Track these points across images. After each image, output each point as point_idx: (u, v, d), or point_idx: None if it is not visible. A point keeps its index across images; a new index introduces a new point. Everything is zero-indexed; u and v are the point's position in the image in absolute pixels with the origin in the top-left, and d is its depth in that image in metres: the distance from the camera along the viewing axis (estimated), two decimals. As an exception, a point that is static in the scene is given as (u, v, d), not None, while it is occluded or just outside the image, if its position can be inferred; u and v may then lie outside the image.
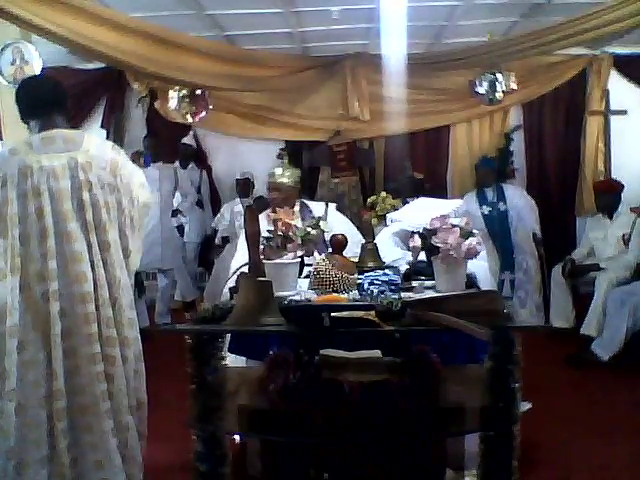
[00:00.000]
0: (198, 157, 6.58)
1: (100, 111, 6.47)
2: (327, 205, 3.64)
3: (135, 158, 5.58)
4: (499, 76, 5.84)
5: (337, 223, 3.08)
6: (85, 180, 2.23)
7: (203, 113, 6.24)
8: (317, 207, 3.61)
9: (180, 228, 6.39)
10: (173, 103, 6.14)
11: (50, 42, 4.12)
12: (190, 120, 6.24)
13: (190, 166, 6.46)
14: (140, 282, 5.01)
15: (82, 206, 2.22)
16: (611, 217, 5.03)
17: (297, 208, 3.52)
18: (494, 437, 1.97)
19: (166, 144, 6.18)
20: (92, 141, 2.33)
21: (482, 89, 5.91)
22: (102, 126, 6.44)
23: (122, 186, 2.31)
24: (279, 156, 6.60)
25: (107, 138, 6.38)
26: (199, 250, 6.61)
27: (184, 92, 6.15)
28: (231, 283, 2.57)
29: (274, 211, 3.37)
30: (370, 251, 2.73)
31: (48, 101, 2.35)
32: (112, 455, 2.18)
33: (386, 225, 3.14)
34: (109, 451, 2.17)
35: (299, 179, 3.61)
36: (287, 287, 2.38)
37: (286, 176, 3.52)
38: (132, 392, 2.29)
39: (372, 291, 2.22)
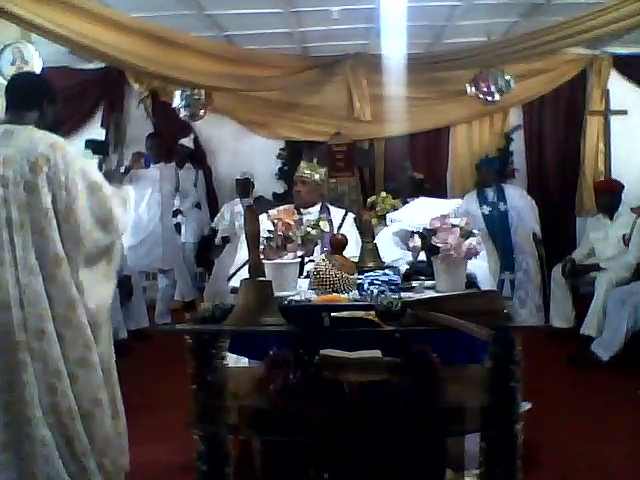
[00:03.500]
0: (195, 157, 6.58)
1: (100, 111, 6.48)
2: (347, 213, 3.64)
3: (135, 159, 5.58)
4: (498, 76, 5.84)
5: (348, 235, 3.09)
6: (1, 176, 2.17)
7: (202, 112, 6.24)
8: (337, 213, 3.61)
9: (177, 227, 6.39)
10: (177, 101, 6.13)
11: (50, 42, 4.13)
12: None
13: (186, 166, 6.45)
14: (128, 286, 4.95)
15: None
16: (611, 217, 5.03)
17: (317, 207, 3.53)
18: (496, 437, 1.97)
19: (167, 144, 6.19)
20: (29, 136, 2.24)
21: (479, 90, 5.91)
22: (102, 125, 6.44)
23: (45, 185, 2.18)
24: (279, 156, 6.64)
25: (106, 138, 6.41)
26: (196, 250, 6.61)
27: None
28: (235, 281, 2.56)
29: (297, 207, 3.39)
30: (370, 251, 2.73)
31: (16, 97, 2.34)
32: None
33: (386, 225, 3.13)
34: None
35: (325, 177, 3.63)
36: (287, 287, 2.37)
37: (312, 170, 3.54)
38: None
39: (372, 291, 2.22)
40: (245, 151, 6.60)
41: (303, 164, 3.62)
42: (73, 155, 2.27)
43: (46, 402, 2.17)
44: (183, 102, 6.01)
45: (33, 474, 2.16)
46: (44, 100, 2.37)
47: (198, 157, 6.62)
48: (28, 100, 2.34)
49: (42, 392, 2.17)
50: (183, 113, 6.08)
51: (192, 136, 6.54)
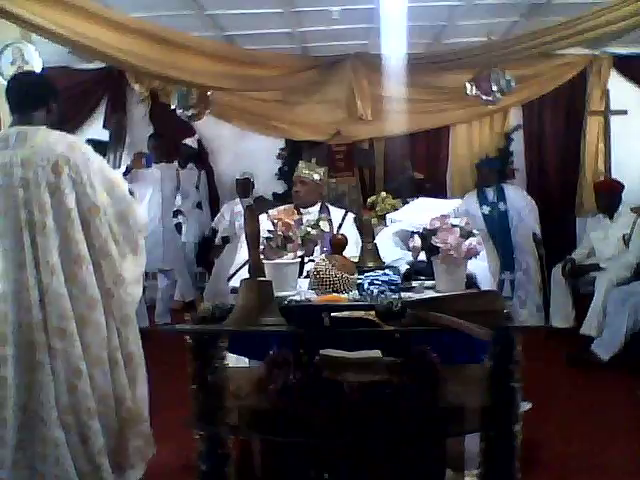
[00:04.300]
0: (198, 158, 6.59)
1: (101, 111, 6.47)
2: (347, 213, 3.64)
3: (137, 159, 5.58)
4: (499, 76, 5.83)
5: (348, 235, 3.10)
6: (21, 177, 2.16)
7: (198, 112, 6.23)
8: (337, 213, 3.60)
9: (177, 227, 6.39)
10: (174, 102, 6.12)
11: (50, 42, 4.12)
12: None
13: (189, 166, 6.46)
14: None
15: (15, 204, 2.16)
16: (611, 217, 5.04)
17: (317, 207, 3.52)
18: (495, 437, 1.97)
19: (169, 144, 6.19)
20: (45, 137, 2.23)
21: (480, 90, 5.90)
22: (104, 126, 6.44)
23: (67, 186, 2.19)
24: (279, 156, 6.64)
25: (110, 138, 6.42)
26: (197, 250, 6.61)
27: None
28: (235, 281, 2.56)
29: (297, 207, 3.39)
30: (370, 251, 2.73)
31: (22, 98, 2.33)
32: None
33: (386, 225, 3.13)
34: None
35: (324, 177, 3.62)
36: (287, 287, 2.38)
37: (310, 170, 3.53)
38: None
39: (372, 291, 2.22)
40: (245, 151, 6.60)
41: (302, 164, 3.62)
42: (90, 154, 2.29)
43: (65, 402, 2.18)
44: (178, 103, 6.02)
45: (42, 474, 2.17)
46: (50, 98, 2.37)
47: (201, 157, 6.62)
48: (34, 100, 2.34)
49: (61, 392, 2.18)
50: (180, 113, 6.09)
51: (196, 136, 6.54)
